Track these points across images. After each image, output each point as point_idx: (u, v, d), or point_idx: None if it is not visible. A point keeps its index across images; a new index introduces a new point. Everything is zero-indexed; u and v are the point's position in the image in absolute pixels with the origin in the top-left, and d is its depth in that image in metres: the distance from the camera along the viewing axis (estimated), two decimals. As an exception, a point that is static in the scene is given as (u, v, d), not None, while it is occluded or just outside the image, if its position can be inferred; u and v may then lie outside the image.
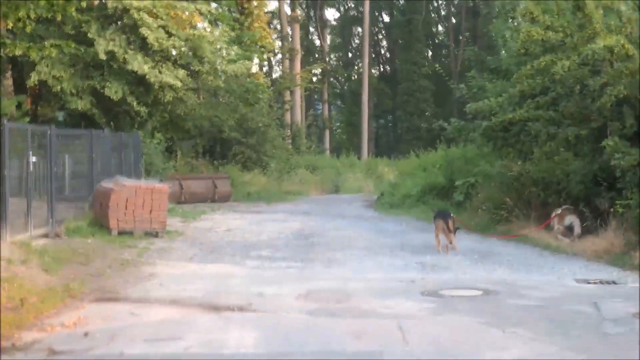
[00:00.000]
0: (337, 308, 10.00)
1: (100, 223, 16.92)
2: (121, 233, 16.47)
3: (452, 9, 77.52)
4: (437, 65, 54.68)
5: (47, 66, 28.09)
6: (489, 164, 21.42)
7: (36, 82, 28.16)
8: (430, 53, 77.62)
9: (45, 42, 19.91)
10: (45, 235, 15.00)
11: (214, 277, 12.21)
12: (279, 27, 59.96)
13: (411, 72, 68.20)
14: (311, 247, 16.24)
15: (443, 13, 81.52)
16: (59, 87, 28.29)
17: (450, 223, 15.33)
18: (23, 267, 11.49)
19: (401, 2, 76.34)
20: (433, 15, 79.53)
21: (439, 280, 12.23)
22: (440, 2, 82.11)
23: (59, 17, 11.09)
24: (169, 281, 11.72)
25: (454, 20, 76.82)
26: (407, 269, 13.55)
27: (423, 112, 67.51)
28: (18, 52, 12.84)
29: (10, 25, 10.69)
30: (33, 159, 14.47)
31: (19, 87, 29.83)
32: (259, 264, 13.87)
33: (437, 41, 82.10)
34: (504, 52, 23.36)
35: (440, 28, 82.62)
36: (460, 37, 73.24)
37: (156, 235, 16.72)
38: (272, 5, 59.98)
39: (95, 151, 19.37)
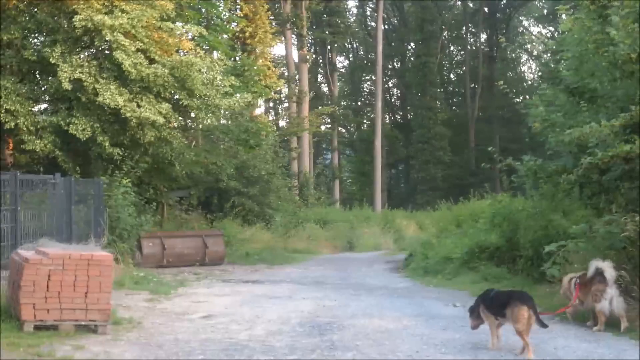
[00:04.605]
0: None
1: (12, 311, 11.04)
2: (40, 328, 10.50)
3: (468, 54, 72.32)
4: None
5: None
6: (565, 218, 15.88)
7: (-17, 118, 22.87)
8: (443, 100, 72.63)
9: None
10: None
11: None
12: (285, 72, 55.00)
13: (426, 118, 63.65)
14: (330, 353, 10.23)
15: (456, 59, 76.95)
16: (13, 124, 23.07)
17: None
18: None
19: (413, 47, 71.57)
20: (444, 62, 74.67)
21: None
22: (452, 48, 77.63)
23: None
24: None
25: (471, 64, 71.59)
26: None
27: (439, 160, 62.55)
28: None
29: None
30: None
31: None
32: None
33: (449, 89, 77.17)
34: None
35: (451, 76, 77.96)
36: (474, 85, 68.43)
37: (94, 330, 10.90)
38: (276, 50, 55.20)
39: (20, 203, 13.85)
